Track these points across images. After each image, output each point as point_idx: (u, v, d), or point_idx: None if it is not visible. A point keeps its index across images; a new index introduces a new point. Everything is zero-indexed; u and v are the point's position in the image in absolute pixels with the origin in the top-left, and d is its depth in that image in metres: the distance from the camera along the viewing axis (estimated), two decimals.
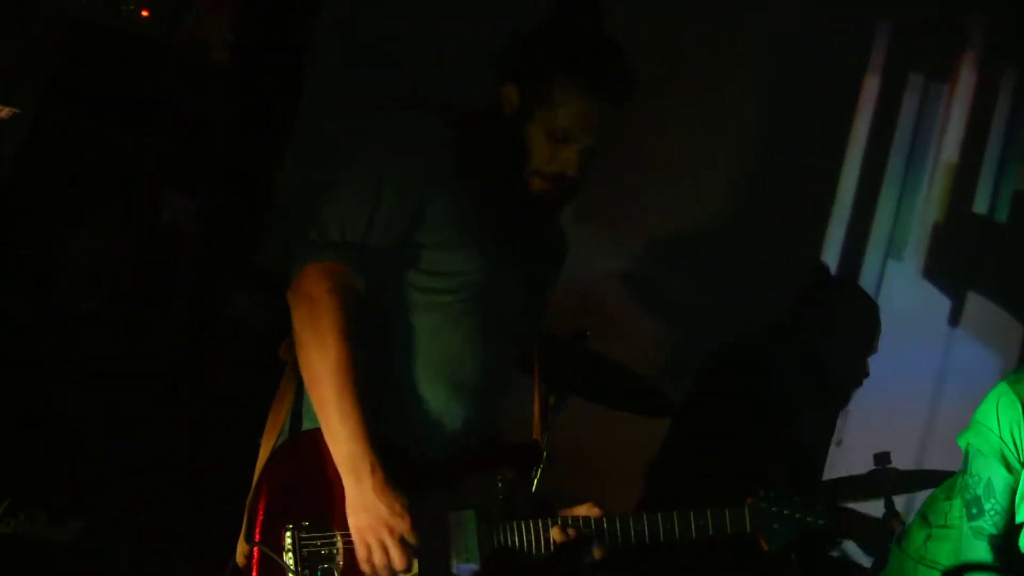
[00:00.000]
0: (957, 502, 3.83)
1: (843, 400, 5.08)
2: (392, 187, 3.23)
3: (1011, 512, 3.64)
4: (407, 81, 5.24)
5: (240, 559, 3.25)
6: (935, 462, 5.46)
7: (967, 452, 3.81)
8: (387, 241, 3.24)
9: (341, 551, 3.16)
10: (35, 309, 4.47)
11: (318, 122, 5.19)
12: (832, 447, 5.53)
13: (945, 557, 3.68)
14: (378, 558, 3.14)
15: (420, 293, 3.29)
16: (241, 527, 3.24)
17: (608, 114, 3.28)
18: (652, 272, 6.00)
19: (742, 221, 5.98)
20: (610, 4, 3.37)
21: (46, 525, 4.29)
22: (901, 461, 5.20)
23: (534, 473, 3.37)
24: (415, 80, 5.20)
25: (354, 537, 3.15)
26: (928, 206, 6.16)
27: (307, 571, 3.12)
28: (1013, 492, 3.65)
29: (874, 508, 5.21)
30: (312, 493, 3.19)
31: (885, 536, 4.59)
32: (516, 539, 3.27)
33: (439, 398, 3.31)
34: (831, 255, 6.08)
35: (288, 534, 3.14)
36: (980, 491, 3.68)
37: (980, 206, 6.16)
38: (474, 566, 3.22)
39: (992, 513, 3.66)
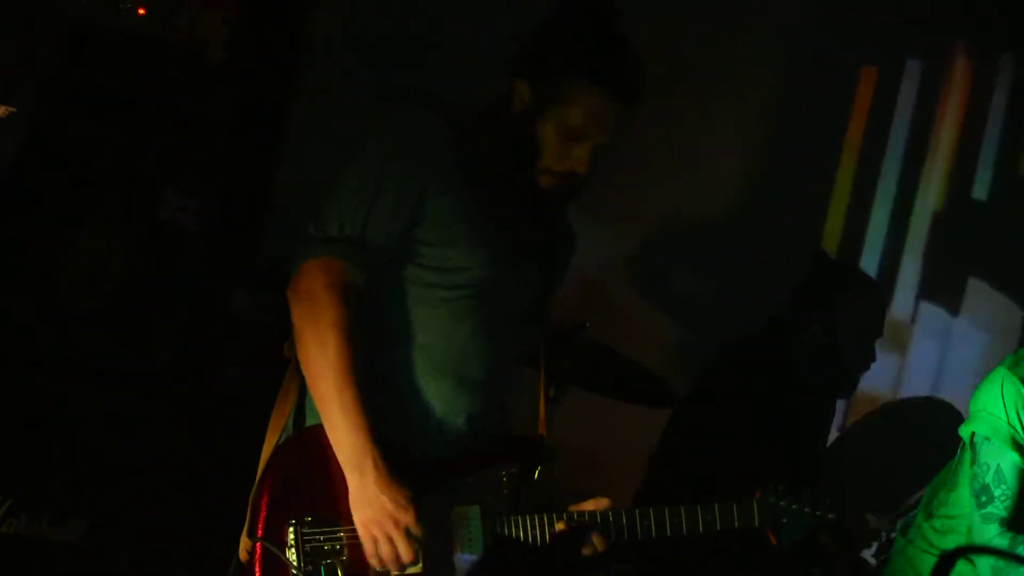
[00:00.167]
0: (963, 492, 3.84)
1: (850, 386, 5.07)
2: (391, 183, 3.23)
3: (1021, 494, 3.66)
4: (409, 80, 5.23)
5: (243, 555, 3.25)
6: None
7: (972, 442, 3.82)
8: (386, 237, 3.24)
9: (345, 546, 3.17)
10: (35, 309, 4.47)
11: (317, 120, 5.19)
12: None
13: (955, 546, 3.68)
14: (385, 551, 3.15)
15: (424, 288, 3.29)
16: (244, 523, 3.24)
17: (622, 113, 3.28)
18: (654, 265, 6.00)
19: (743, 213, 5.97)
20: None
21: (49, 525, 4.30)
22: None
23: (539, 468, 3.35)
24: (417, 79, 5.20)
25: (360, 532, 3.16)
26: (927, 194, 6.15)
27: (310, 566, 3.13)
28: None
29: None
30: (315, 488, 3.20)
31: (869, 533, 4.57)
32: (521, 533, 3.27)
33: (444, 393, 3.31)
34: (830, 244, 6.07)
35: (291, 529, 3.15)
36: (989, 479, 3.69)
37: (979, 192, 6.16)
38: (475, 557, 3.23)
39: (1003, 498, 3.67)
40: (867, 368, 4.96)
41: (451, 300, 3.30)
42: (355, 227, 3.22)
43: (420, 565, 3.19)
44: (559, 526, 3.28)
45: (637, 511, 3.33)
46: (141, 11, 4.74)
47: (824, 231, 6.11)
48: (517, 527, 3.27)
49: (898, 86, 6.17)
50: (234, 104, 4.82)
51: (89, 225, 4.56)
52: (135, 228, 4.61)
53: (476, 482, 3.28)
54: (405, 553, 3.16)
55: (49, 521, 4.31)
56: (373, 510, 3.14)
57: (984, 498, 3.71)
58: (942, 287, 6.08)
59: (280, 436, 3.31)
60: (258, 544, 3.15)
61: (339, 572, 3.14)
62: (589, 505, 3.33)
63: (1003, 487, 3.68)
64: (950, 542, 3.86)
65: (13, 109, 4.42)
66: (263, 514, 3.17)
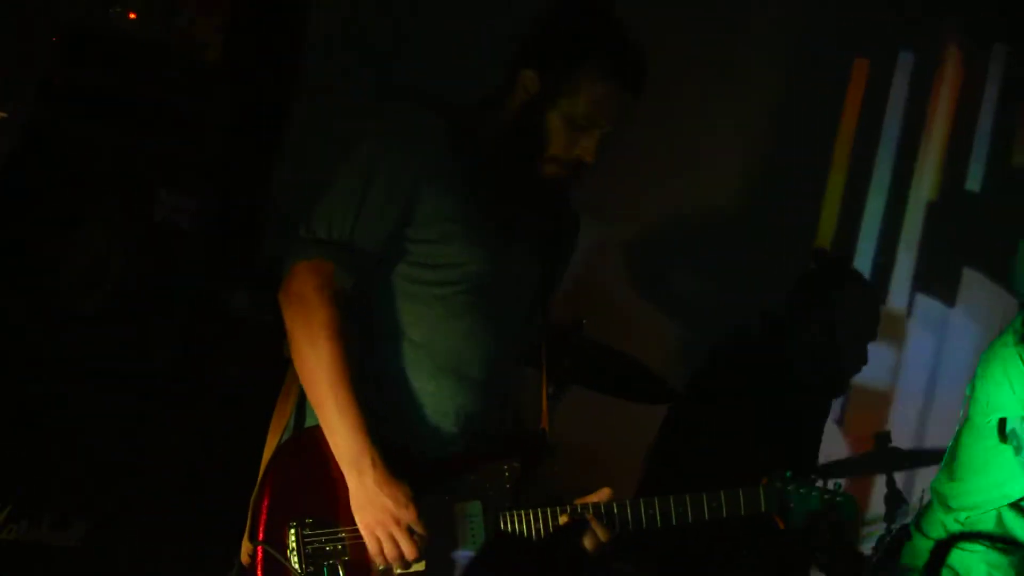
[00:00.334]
0: (979, 479, 3.86)
1: (842, 387, 5.09)
2: (380, 185, 3.23)
3: None
4: (409, 80, 5.23)
5: (244, 558, 3.25)
6: (934, 440, 5.48)
7: (1006, 428, 3.85)
8: (375, 238, 3.24)
9: (347, 546, 3.17)
10: (34, 309, 4.47)
11: (316, 120, 5.19)
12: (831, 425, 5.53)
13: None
14: (388, 549, 3.16)
15: (419, 286, 3.29)
16: (244, 524, 3.25)
17: (629, 104, 3.29)
18: (653, 264, 6.01)
19: (740, 209, 5.98)
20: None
21: (49, 530, 4.30)
22: (901, 441, 5.24)
23: (541, 463, 3.36)
24: (417, 79, 5.20)
25: (362, 532, 3.17)
26: (921, 186, 6.17)
27: (311, 568, 3.14)
28: None
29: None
30: (316, 490, 3.21)
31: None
32: (524, 528, 3.27)
33: (444, 391, 3.31)
34: (825, 238, 6.09)
35: (292, 531, 3.15)
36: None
37: (973, 184, 6.17)
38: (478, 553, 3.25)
39: None
40: (858, 371, 4.98)
41: (446, 297, 3.30)
42: (344, 229, 3.22)
43: (423, 562, 3.19)
44: (562, 519, 3.28)
45: (642, 500, 3.33)
46: (132, 15, 4.74)
47: (819, 225, 6.12)
48: (519, 522, 3.27)
49: (890, 78, 6.18)
50: (233, 104, 4.82)
51: (88, 225, 4.54)
52: (134, 228, 4.60)
53: (477, 478, 3.28)
54: (408, 551, 3.16)
55: (49, 525, 4.30)
56: (374, 509, 3.15)
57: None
58: (937, 279, 6.10)
59: (282, 436, 3.31)
60: (259, 547, 3.15)
61: (341, 573, 3.15)
62: (592, 498, 3.33)
63: None
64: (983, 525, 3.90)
65: (5, 115, 4.42)
66: (264, 517, 3.18)
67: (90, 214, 4.56)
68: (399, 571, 3.19)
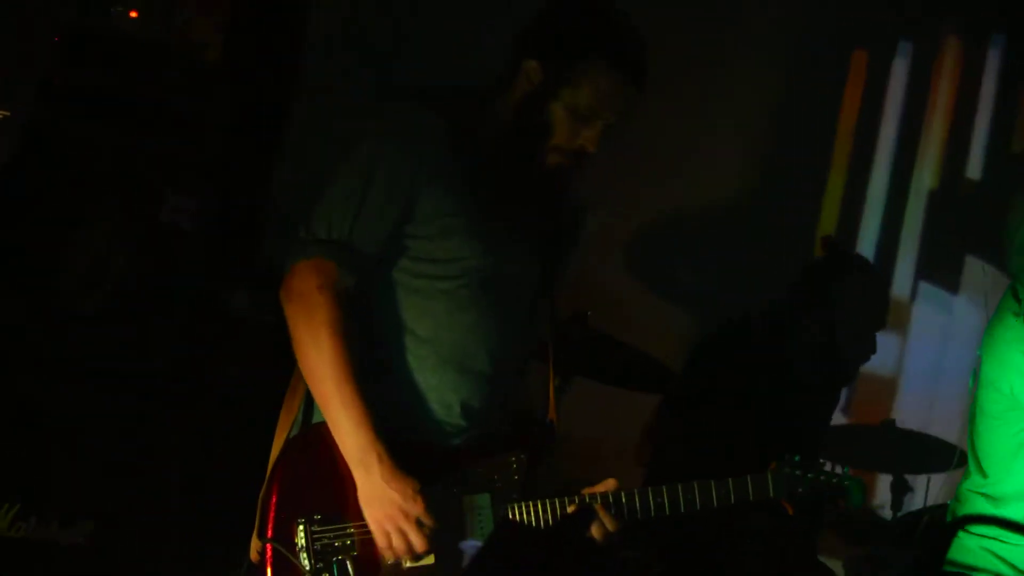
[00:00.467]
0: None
1: (849, 376, 5.08)
2: (379, 185, 3.22)
3: None
4: (409, 80, 5.23)
5: (254, 555, 3.25)
6: (940, 426, 5.48)
7: None
8: (375, 238, 3.24)
9: (355, 542, 3.17)
10: (35, 310, 4.47)
11: (316, 120, 5.19)
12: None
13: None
14: (397, 543, 3.16)
15: (424, 280, 3.29)
16: (254, 523, 3.24)
17: (632, 95, 3.29)
18: (652, 261, 6.01)
19: (742, 201, 5.99)
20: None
21: (58, 528, 4.30)
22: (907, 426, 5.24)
23: (549, 454, 3.36)
24: (417, 79, 5.19)
25: (371, 527, 3.16)
26: (922, 174, 6.17)
27: (321, 564, 3.13)
28: None
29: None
30: (324, 486, 3.21)
31: None
32: (532, 518, 3.27)
33: (449, 385, 3.31)
34: (827, 227, 6.09)
35: (300, 528, 3.15)
36: None
37: (973, 171, 6.17)
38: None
39: None
40: (867, 360, 4.97)
41: (450, 291, 3.30)
42: (344, 229, 3.22)
43: (433, 555, 3.19)
44: (570, 509, 3.28)
45: (650, 489, 3.33)
46: (133, 14, 4.74)
47: (821, 215, 6.12)
48: (528, 512, 3.28)
49: (890, 68, 6.19)
50: (233, 104, 4.82)
51: (88, 226, 4.55)
52: (135, 228, 4.60)
53: (485, 470, 3.29)
54: (417, 544, 3.16)
55: (58, 524, 4.30)
56: (382, 504, 3.15)
57: None
58: (940, 266, 6.10)
59: (290, 432, 3.31)
60: (268, 545, 3.15)
61: (350, 568, 3.14)
62: (600, 488, 3.33)
63: None
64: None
65: (7, 113, 4.41)
66: (272, 514, 3.17)
67: (90, 214, 4.56)
68: (408, 564, 3.18)
